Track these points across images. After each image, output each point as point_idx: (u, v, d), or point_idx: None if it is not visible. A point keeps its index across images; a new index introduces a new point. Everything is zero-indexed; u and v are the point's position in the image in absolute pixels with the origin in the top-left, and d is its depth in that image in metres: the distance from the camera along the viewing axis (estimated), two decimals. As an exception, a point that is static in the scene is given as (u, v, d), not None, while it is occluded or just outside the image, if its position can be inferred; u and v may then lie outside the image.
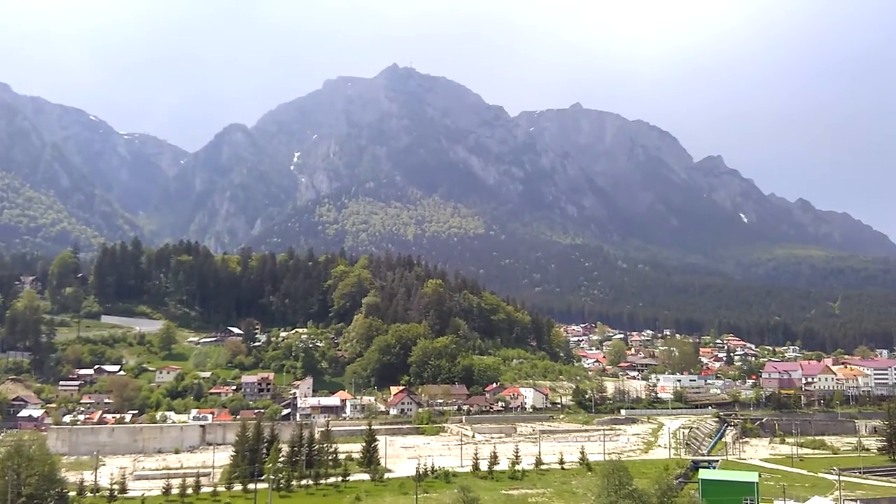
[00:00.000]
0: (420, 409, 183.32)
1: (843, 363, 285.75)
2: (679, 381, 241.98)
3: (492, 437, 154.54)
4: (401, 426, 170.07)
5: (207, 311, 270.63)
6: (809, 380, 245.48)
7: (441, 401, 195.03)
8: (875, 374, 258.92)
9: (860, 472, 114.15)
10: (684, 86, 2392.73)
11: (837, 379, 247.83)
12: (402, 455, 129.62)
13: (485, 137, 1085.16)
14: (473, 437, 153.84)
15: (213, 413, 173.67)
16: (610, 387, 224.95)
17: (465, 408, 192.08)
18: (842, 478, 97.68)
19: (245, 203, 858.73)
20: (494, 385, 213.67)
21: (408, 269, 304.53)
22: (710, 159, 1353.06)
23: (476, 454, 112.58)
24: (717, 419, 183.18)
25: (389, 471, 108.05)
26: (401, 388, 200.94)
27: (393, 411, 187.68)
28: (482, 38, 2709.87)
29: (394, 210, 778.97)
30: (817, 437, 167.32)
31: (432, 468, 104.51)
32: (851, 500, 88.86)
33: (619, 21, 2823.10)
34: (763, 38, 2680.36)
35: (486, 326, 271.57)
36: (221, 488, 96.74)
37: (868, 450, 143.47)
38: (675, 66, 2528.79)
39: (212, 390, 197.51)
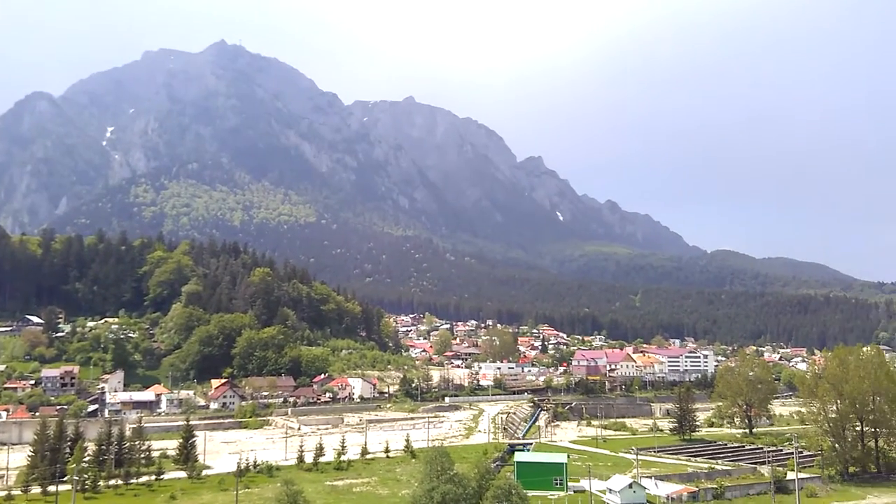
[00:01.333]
0: (243, 403, 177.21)
1: (642, 351, 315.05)
2: (499, 368, 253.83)
3: (318, 429, 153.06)
4: (222, 420, 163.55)
5: (3, 298, 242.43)
6: (613, 367, 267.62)
7: (266, 393, 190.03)
8: (669, 362, 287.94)
9: (655, 451, 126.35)
10: (511, 89, 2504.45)
11: (637, 366, 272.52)
12: (222, 451, 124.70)
13: (318, 124, 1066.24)
14: (299, 429, 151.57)
15: (7, 410, 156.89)
16: (436, 375, 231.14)
17: (291, 400, 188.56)
18: (639, 457, 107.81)
19: (49, 179, 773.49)
20: (323, 376, 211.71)
21: (233, 256, 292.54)
22: (532, 160, 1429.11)
23: (301, 447, 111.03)
24: (532, 404, 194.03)
25: (208, 467, 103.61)
26: (223, 380, 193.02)
27: (214, 405, 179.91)
28: (317, 22, 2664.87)
29: (219, 194, 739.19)
30: (619, 420, 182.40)
31: (255, 463, 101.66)
32: (647, 476, 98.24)
33: (453, 20, 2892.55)
34: (583, 52, 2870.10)
35: (316, 317, 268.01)
36: (17, 491, 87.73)
37: (662, 430, 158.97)
38: (503, 69, 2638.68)
39: (6, 385, 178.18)
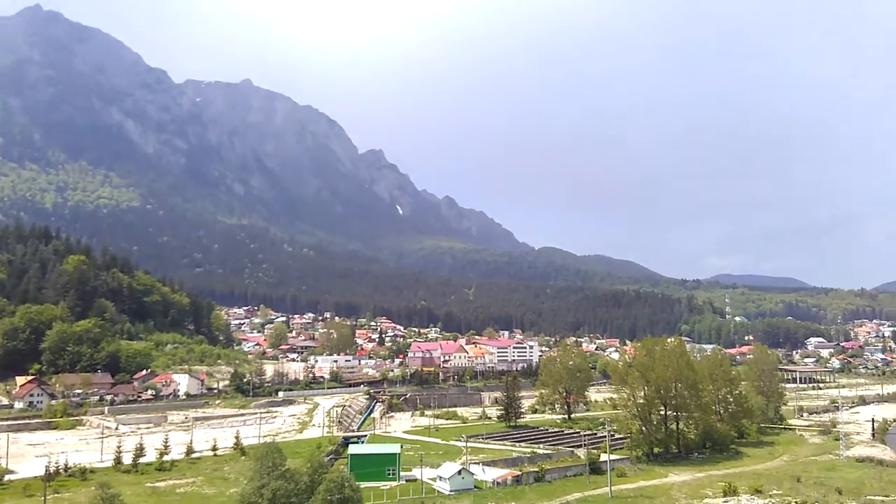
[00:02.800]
0: (53, 402, 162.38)
1: (474, 343, 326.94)
2: (336, 361, 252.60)
3: (139, 428, 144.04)
4: (28, 421, 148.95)
5: None
6: (447, 358, 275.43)
7: (80, 391, 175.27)
8: (498, 352, 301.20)
9: (483, 438, 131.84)
10: (354, 80, 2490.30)
11: (469, 357, 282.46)
12: (29, 453, 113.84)
13: (145, 102, 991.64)
14: (117, 429, 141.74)
15: None
16: (269, 370, 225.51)
17: (109, 398, 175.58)
18: (468, 444, 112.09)
19: None
20: (145, 372, 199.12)
21: (44, 241, 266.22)
22: (373, 152, 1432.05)
23: (119, 447, 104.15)
24: (367, 396, 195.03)
25: (11, 472, 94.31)
26: (30, 377, 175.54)
27: (19, 405, 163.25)
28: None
29: (29, 173, 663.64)
30: (451, 409, 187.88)
31: (66, 466, 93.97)
32: (475, 463, 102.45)
33: (297, 5, 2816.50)
34: (428, 50, 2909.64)
35: (139, 309, 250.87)
36: None
37: (490, 418, 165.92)
38: (347, 60, 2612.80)
39: None
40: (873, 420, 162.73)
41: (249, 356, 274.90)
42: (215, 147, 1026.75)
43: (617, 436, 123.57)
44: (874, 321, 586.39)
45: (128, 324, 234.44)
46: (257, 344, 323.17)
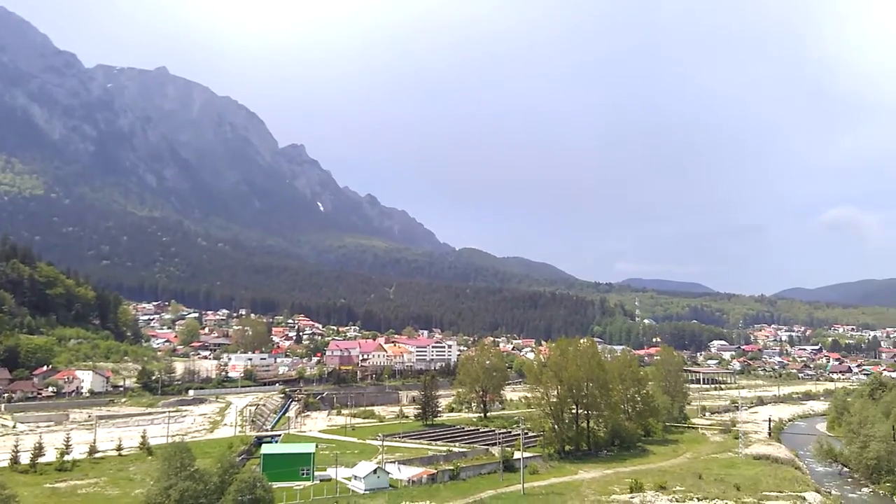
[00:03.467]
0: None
1: (393, 342, 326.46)
2: (250, 359, 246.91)
3: (38, 426, 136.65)
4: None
5: None
6: (366, 356, 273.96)
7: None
8: (417, 351, 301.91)
9: (400, 437, 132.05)
10: (276, 73, 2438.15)
11: (388, 356, 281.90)
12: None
13: (52, 86, 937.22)
14: (15, 426, 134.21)
15: None
16: (180, 367, 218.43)
17: (6, 395, 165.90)
18: (384, 443, 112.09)
19: None
20: (46, 368, 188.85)
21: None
22: (294, 147, 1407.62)
23: (16, 446, 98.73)
24: (282, 395, 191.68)
25: None
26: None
27: None
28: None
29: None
30: (368, 408, 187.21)
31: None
32: (391, 462, 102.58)
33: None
34: (353, 46, 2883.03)
35: (40, 302, 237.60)
36: None
37: (407, 417, 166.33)
38: (269, 52, 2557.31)
39: None
40: (770, 420, 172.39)
41: (159, 353, 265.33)
42: (127, 135, 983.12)
43: (531, 434, 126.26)
44: (772, 326, 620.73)
45: (28, 317, 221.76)
46: (167, 341, 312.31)
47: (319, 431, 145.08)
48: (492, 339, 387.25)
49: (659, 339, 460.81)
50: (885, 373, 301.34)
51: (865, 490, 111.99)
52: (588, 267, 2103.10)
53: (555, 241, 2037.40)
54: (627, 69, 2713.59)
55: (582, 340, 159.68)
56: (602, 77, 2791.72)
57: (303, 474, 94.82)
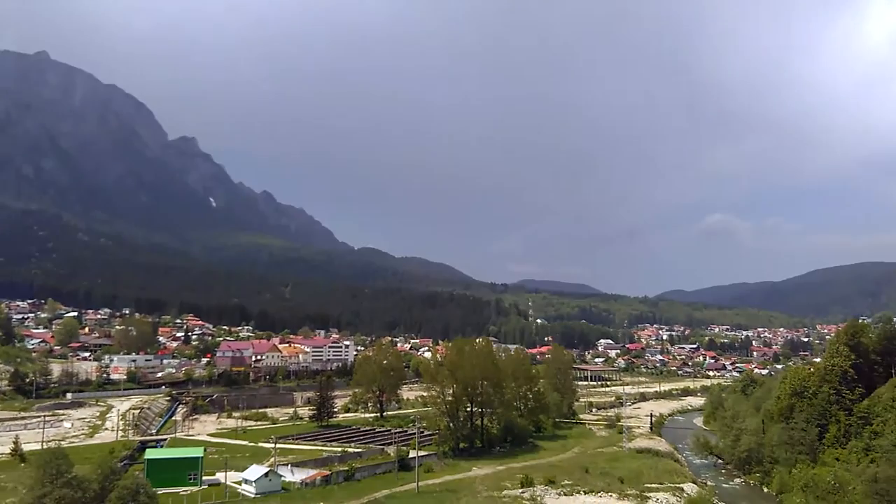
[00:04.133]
0: None
1: (288, 342, 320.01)
2: (134, 361, 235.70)
3: None
4: None
5: None
6: (259, 357, 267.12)
7: None
8: (313, 352, 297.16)
9: (293, 439, 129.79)
10: (166, 61, 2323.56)
11: (283, 356, 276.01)
12: None
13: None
14: None
15: None
16: (57, 369, 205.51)
17: None
18: (277, 445, 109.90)
19: None
20: None
21: None
22: (185, 140, 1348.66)
23: None
24: (169, 398, 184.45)
25: None
26: None
27: None
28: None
29: None
30: (261, 410, 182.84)
31: None
32: (284, 464, 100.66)
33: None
34: (248, 36, 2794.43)
35: None
36: None
37: (302, 418, 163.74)
38: (159, 37, 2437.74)
39: None
40: (651, 415, 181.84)
41: (34, 354, 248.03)
42: (2, 123, 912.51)
43: (426, 432, 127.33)
44: (655, 325, 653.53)
45: None
46: (43, 341, 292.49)
47: (209, 435, 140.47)
48: (390, 338, 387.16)
49: (550, 339, 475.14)
50: (755, 370, 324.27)
51: (737, 480, 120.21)
52: (484, 268, 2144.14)
53: (453, 242, 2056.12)
54: (523, 74, 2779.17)
55: (478, 340, 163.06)
56: (498, 81, 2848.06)
57: (190, 479, 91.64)
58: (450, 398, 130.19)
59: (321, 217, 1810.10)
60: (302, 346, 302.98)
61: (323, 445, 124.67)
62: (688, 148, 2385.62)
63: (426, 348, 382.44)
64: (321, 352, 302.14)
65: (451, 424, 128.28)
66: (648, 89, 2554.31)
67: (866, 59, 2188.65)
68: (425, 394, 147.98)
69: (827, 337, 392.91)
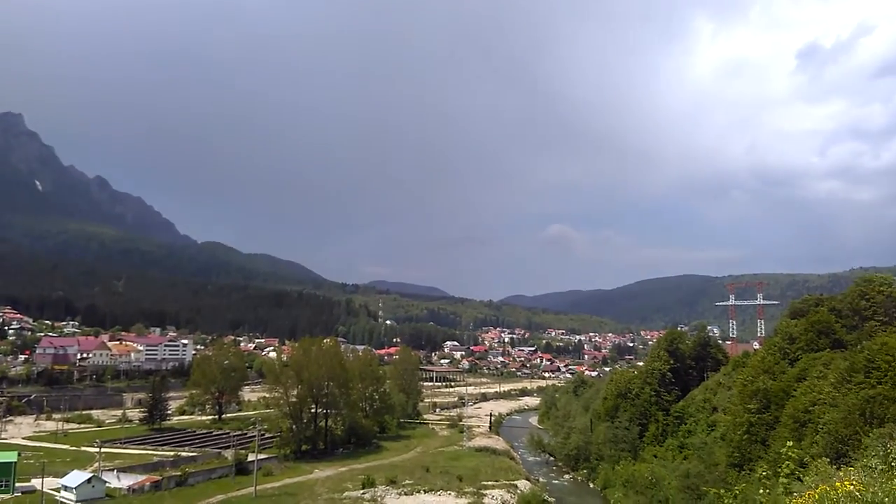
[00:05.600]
0: None
1: (119, 339, 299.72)
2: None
3: None
4: None
5: None
6: (85, 355, 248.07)
7: None
8: (147, 350, 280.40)
9: (121, 443, 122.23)
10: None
11: (112, 354, 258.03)
12: None
13: None
14: None
15: None
16: None
17: None
18: (102, 449, 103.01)
19: None
20: None
21: None
22: (10, 116, 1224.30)
23: None
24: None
25: None
26: None
27: None
28: None
29: None
30: (86, 412, 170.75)
31: None
32: (109, 469, 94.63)
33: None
34: (87, 7, 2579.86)
35: None
36: None
37: (132, 421, 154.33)
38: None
39: None
40: (491, 415, 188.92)
41: None
42: None
43: (268, 435, 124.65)
44: (497, 328, 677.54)
45: None
46: None
47: (24, 438, 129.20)
48: (232, 337, 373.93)
49: (399, 340, 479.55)
50: (586, 372, 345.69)
51: (567, 477, 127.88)
52: (337, 268, 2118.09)
53: (304, 241, 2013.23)
54: (384, 78, 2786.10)
55: (326, 340, 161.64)
56: (357, 83, 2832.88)
57: (2, 486, 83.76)
58: (294, 399, 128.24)
59: (162, 207, 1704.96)
60: (135, 345, 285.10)
61: (154, 449, 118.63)
62: (534, 160, 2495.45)
63: (271, 348, 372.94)
64: (156, 350, 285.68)
65: (293, 426, 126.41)
66: (502, 102, 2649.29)
67: (693, 88, 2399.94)
68: (268, 395, 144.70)
69: (650, 342, 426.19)
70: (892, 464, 16.91)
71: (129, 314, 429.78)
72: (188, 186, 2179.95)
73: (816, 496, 13.89)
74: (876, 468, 17.25)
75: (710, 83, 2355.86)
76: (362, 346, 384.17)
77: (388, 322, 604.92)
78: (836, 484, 14.40)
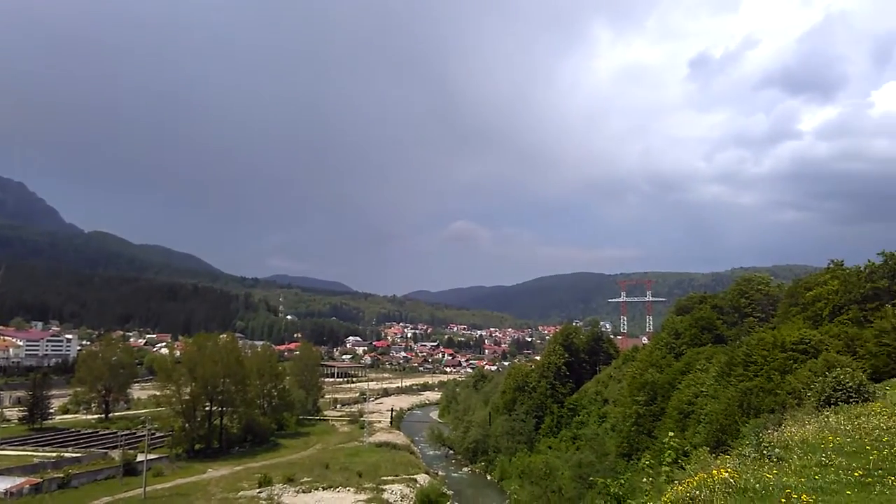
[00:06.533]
0: None
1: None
2: None
3: None
4: None
5: None
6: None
7: None
8: (27, 346, 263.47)
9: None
10: None
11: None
12: None
13: None
14: None
15: None
16: None
17: None
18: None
19: None
20: None
21: None
22: None
23: None
24: None
25: None
26: None
27: None
28: None
29: None
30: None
31: None
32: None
33: None
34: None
35: None
36: None
37: (10, 420, 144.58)
38: None
39: None
40: (392, 410, 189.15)
41: None
42: None
43: (159, 434, 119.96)
44: (401, 324, 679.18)
45: None
46: None
47: None
48: (122, 332, 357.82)
49: (300, 335, 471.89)
50: (486, 366, 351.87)
51: (465, 470, 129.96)
52: (237, 261, 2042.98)
53: (202, 233, 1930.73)
54: (290, 72, 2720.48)
55: (222, 336, 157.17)
56: (266, 76, 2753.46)
57: None
58: (187, 397, 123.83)
59: (46, 194, 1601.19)
60: (13, 339, 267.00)
61: (34, 450, 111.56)
62: (440, 157, 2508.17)
63: (163, 344, 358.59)
64: (37, 346, 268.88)
65: (186, 425, 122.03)
66: (408, 101, 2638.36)
67: (592, 92, 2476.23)
68: (160, 393, 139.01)
69: (547, 337, 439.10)
70: (764, 452, 18.17)
71: (8, 307, 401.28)
72: (75, 173, 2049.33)
73: (695, 483, 14.85)
74: (749, 456, 18.52)
75: (608, 88, 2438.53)
76: (261, 342, 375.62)
77: (288, 317, 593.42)
78: (713, 471, 15.45)
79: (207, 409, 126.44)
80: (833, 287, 75.74)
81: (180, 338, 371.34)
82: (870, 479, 14.52)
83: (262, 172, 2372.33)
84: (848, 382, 30.60)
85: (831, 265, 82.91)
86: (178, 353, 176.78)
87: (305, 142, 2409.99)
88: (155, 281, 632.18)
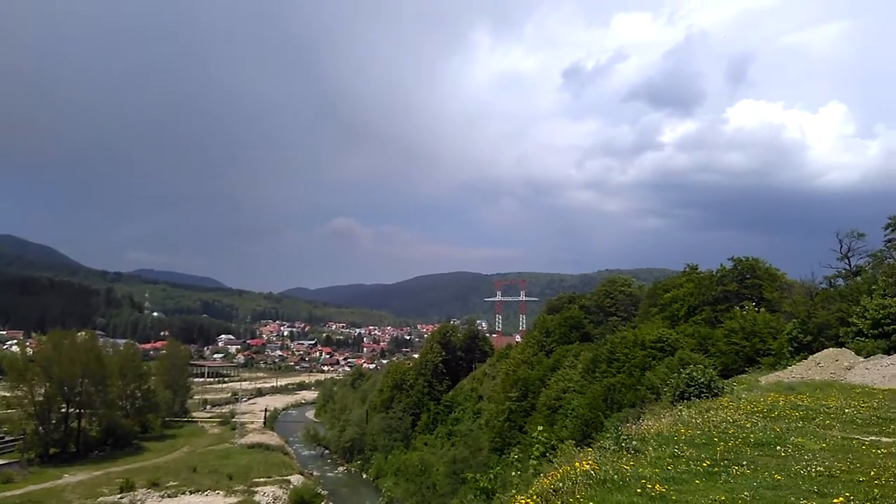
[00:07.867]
0: None
1: None
2: None
3: None
4: None
5: None
6: None
7: None
8: None
9: None
10: None
11: None
12: None
13: None
14: None
15: None
16: None
17: None
18: None
19: None
20: None
21: None
22: None
23: None
24: None
25: None
26: None
27: None
28: None
29: None
30: None
31: None
32: None
33: None
34: None
35: None
36: None
37: None
38: None
39: None
40: (266, 410, 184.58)
41: None
42: None
43: (8, 438, 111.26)
44: (277, 322, 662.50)
45: None
46: None
47: None
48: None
49: (167, 333, 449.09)
50: (365, 365, 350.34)
51: (341, 469, 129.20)
52: (100, 254, 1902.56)
53: (60, 224, 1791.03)
54: (168, 61, 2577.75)
55: (80, 333, 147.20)
56: (138, 69, 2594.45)
57: None
58: (40, 399, 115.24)
59: None
60: None
61: None
62: (321, 153, 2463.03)
63: (15, 342, 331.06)
64: None
65: (39, 428, 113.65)
66: (289, 96, 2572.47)
67: (472, 96, 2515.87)
68: (10, 394, 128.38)
69: (425, 335, 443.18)
70: (623, 444, 19.46)
71: None
72: None
73: (559, 476, 15.81)
74: (609, 449, 19.83)
75: (487, 93, 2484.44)
76: (124, 340, 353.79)
77: (155, 314, 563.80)
78: (576, 464, 16.50)
79: (64, 410, 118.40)
80: (688, 289, 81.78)
81: (34, 335, 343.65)
82: (716, 469, 15.99)
83: (130, 164, 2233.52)
84: (700, 378, 33.08)
85: (687, 269, 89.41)
86: (30, 351, 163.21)
87: (182, 135, 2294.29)
88: (6, 273, 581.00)
